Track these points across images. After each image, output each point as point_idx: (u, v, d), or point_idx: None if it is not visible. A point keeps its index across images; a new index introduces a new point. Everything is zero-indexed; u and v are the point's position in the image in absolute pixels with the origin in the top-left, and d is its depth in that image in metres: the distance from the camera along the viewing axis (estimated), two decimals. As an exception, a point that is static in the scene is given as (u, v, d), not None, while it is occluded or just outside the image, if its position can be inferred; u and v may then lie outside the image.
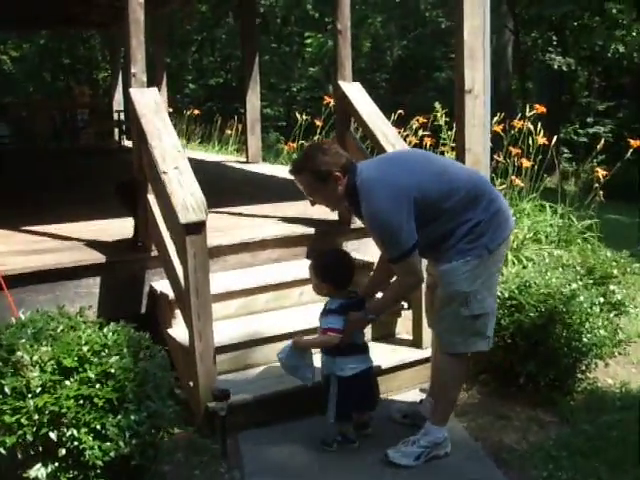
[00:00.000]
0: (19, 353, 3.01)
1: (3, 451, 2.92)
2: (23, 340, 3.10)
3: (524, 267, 6.01)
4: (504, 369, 4.44)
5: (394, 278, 3.72)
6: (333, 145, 3.67)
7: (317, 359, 3.81)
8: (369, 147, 5.87)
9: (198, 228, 3.75)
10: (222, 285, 4.59)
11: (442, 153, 7.88)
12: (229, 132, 13.89)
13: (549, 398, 4.27)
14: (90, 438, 2.93)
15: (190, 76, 25.63)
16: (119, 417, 2.99)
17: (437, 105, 7.90)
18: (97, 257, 4.60)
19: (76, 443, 2.92)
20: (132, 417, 2.99)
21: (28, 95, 24.22)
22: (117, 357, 3.11)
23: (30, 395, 2.95)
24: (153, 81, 11.32)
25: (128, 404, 3.02)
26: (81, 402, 2.96)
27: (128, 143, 10.10)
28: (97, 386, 3.00)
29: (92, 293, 4.53)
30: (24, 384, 2.95)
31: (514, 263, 6.19)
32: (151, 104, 4.38)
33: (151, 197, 4.49)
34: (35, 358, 3.01)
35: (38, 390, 2.95)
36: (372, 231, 3.55)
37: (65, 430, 2.92)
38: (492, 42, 20.39)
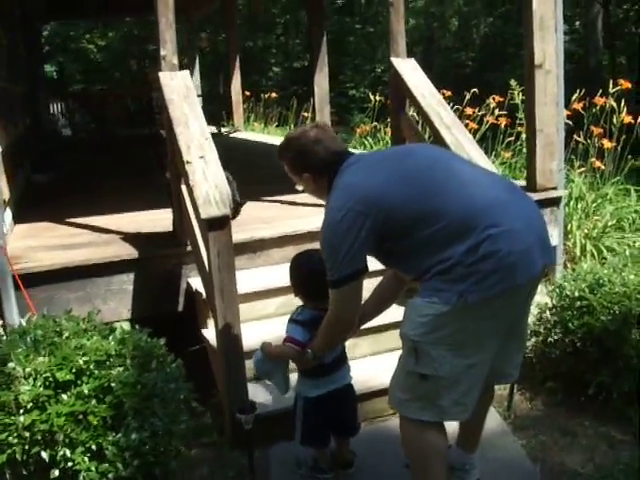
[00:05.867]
0: (11, 364, 2.76)
1: (-7, 470, 2.69)
2: (20, 350, 2.85)
3: (604, 258, 5.49)
4: (573, 377, 3.97)
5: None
6: (308, 143, 2.98)
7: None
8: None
9: (221, 224, 3.43)
10: (263, 282, 4.31)
11: (518, 134, 7.37)
12: (306, 115, 13.55)
13: (622, 413, 3.74)
14: (86, 459, 2.67)
15: (274, 59, 25.41)
16: (118, 436, 2.70)
17: (512, 82, 7.37)
18: (130, 252, 4.34)
19: (70, 464, 2.65)
20: (132, 436, 2.70)
21: (117, 82, 24.51)
22: (120, 369, 2.83)
23: (21, 411, 2.69)
24: (227, 66, 11.15)
25: (130, 421, 2.73)
26: (79, 418, 2.69)
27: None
28: (93, 402, 2.71)
29: (125, 290, 4.28)
30: (12, 399, 2.69)
31: (593, 255, 5.66)
32: (181, 88, 4.08)
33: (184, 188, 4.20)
34: (28, 370, 2.75)
35: (29, 406, 2.68)
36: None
37: (58, 449, 2.65)
38: (580, 16, 19.49)
